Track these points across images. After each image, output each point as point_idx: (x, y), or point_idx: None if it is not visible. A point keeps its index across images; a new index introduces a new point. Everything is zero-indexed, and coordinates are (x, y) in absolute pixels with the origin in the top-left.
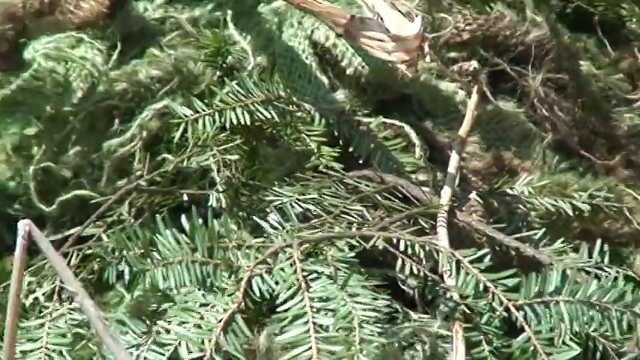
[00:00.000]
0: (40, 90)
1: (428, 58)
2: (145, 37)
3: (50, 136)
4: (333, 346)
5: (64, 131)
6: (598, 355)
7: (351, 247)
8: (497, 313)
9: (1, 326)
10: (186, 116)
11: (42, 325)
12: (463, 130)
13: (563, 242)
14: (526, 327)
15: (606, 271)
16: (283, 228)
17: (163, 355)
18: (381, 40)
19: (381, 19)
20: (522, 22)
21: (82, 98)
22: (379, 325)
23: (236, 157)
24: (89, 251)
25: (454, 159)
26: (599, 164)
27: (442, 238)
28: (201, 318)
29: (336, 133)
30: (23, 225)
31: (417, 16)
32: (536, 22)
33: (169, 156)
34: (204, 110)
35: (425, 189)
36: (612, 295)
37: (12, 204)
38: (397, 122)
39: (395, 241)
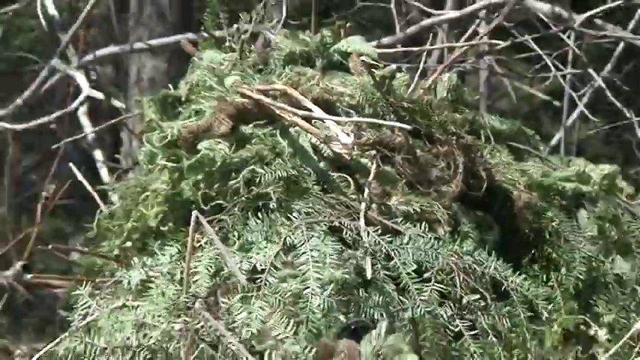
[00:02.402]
0: (203, 162)
1: (356, 152)
2: (244, 141)
3: (206, 180)
4: (320, 264)
5: (211, 179)
6: (423, 268)
7: (326, 225)
8: (383, 251)
9: (182, 256)
10: (262, 173)
11: (202, 254)
12: (370, 179)
13: (409, 224)
14: (395, 257)
15: (427, 236)
16: (298, 218)
17: (250, 265)
18: (336, 144)
19: (337, 135)
20: (393, 135)
21: (220, 165)
22: (338, 254)
23: (281, 189)
24: (220, 225)
25: (366, 190)
26: (424, 192)
27: (362, 223)
28: (265, 252)
29: (320, 180)
30: (195, 213)
31: (351, 133)
32: (400, 136)
33: (254, 187)
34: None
35: (355, 203)
36: (429, 245)
37: (191, 206)
38: (345, 175)
39: (343, 222)
